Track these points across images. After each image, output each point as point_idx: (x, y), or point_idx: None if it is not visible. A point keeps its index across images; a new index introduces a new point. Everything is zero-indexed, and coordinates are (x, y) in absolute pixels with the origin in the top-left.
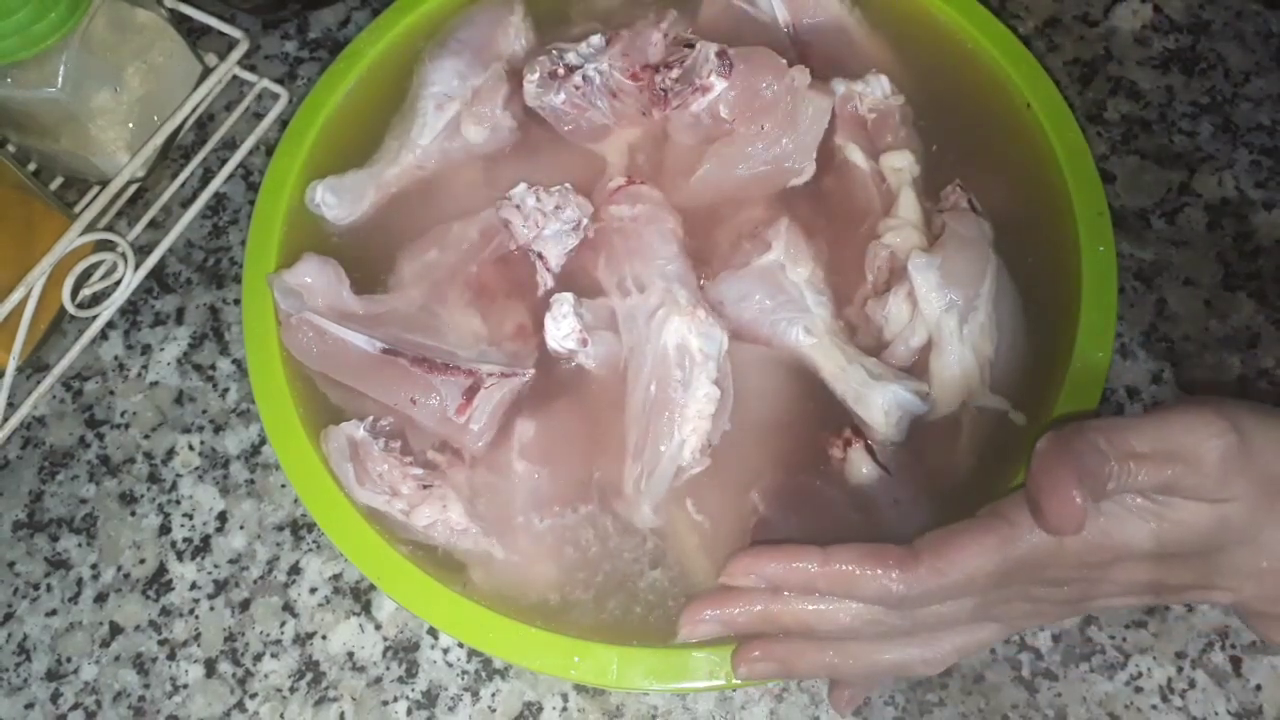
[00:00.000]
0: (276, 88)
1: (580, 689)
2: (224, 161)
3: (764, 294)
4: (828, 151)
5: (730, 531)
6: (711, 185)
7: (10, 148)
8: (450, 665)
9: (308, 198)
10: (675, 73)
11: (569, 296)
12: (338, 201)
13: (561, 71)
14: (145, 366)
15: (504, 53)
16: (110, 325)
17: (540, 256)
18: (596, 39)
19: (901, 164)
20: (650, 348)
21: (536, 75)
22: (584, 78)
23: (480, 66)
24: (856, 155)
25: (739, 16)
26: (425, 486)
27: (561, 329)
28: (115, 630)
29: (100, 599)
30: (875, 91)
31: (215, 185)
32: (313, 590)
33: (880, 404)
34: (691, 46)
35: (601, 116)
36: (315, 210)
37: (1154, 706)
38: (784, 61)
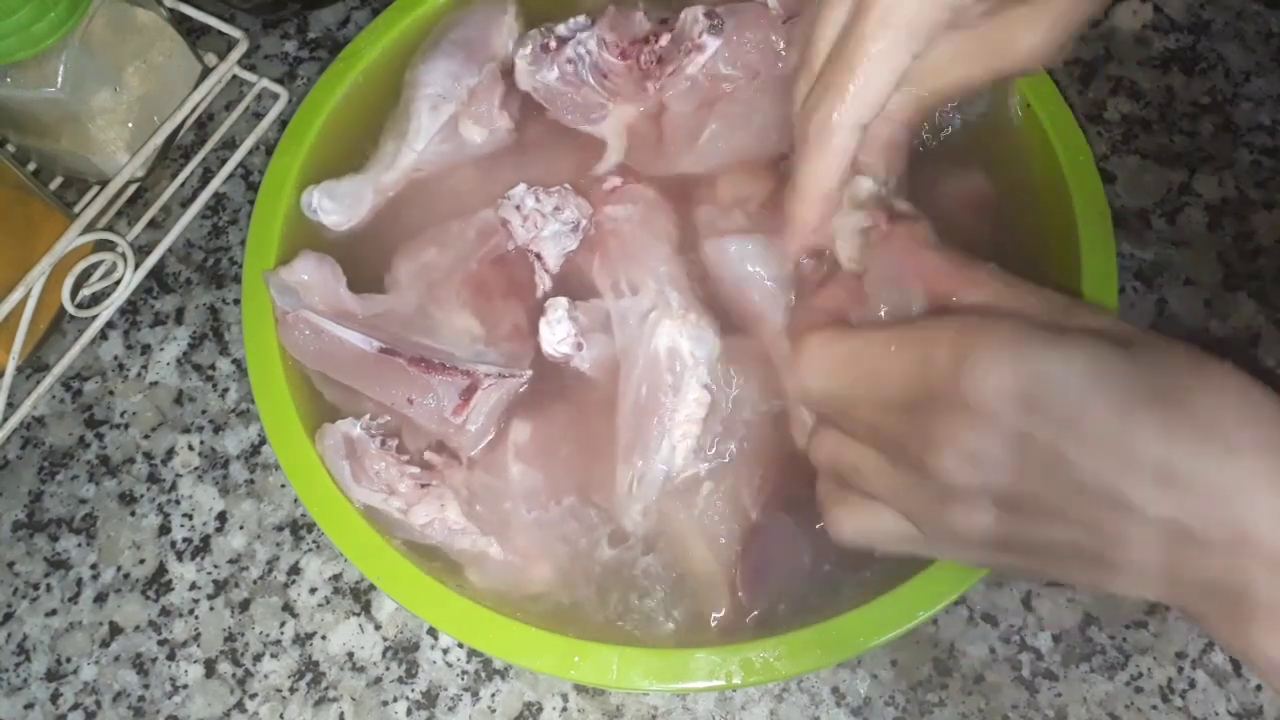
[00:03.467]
0: (276, 87)
1: (580, 689)
2: (224, 161)
3: (761, 267)
4: None
5: (730, 528)
6: (720, 148)
7: (10, 147)
8: (450, 665)
9: (304, 203)
10: (665, 39)
11: (563, 301)
12: (335, 207)
13: (553, 44)
14: (145, 366)
15: (498, 53)
16: (110, 325)
17: (539, 257)
18: (582, 17)
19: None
20: (642, 350)
21: (529, 50)
22: (574, 54)
23: (474, 67)
24: None
25: (733, 7)
26: (423, 485)
27: (556, 334)
28: (115, 630)
29: (100, 599)
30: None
31: (215, 185)
32: (312, 590)
33: None
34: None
35: (596, 95)
36: (312, 216)
37: (1154, 707)
38: (774, 12)
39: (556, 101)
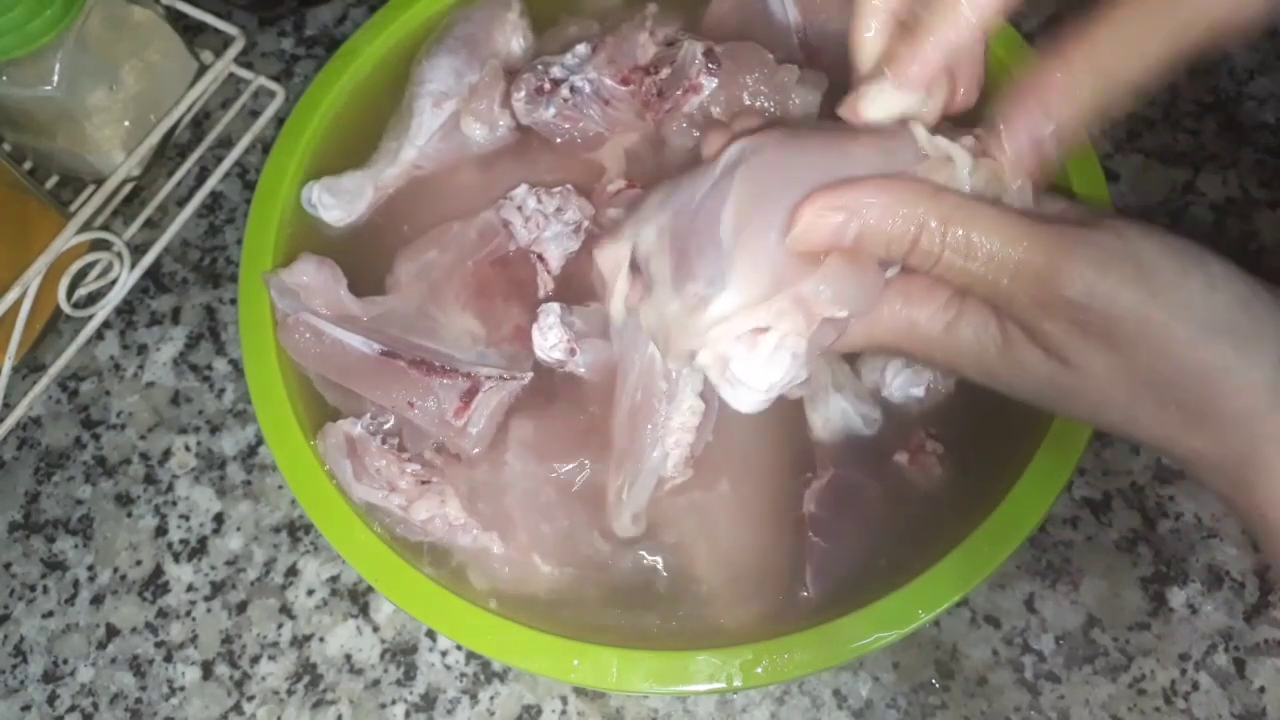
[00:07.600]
0: (273, 85)
1: (580, 692)
2: (220, 160)
3: None
4: None
5: (734, 530)
6: None
7: (5, 146)
8: (449, 668)
9: (304, 198)
10: (665, 72)
11: (555, 306)
12: (335, 202)
13: (548, 86)
14: (141, 367)
15: (501, 50)
16: (106, 325)
17: (541, 258)
18: (582, 48)
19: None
20: (638, 356)
21: (523, 93)
22: (572, 88)
23: (477, 63)
24: None
25: (748, 16)
26: (423, 482)
27: (548, 339)
28: (112, 632)
29: (97, 600)
30: None
31: (211, 184)
32: (310, 592)
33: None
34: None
35: (595, 125)
36: (312, 211)
37: (1157, 709)
38: (771, 56)
39: (555, 134)
